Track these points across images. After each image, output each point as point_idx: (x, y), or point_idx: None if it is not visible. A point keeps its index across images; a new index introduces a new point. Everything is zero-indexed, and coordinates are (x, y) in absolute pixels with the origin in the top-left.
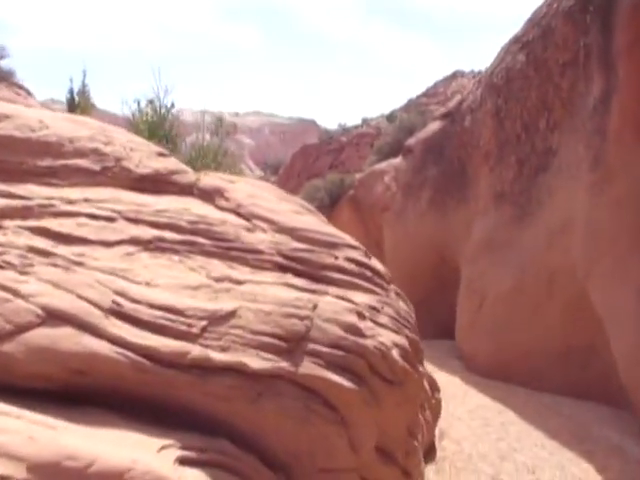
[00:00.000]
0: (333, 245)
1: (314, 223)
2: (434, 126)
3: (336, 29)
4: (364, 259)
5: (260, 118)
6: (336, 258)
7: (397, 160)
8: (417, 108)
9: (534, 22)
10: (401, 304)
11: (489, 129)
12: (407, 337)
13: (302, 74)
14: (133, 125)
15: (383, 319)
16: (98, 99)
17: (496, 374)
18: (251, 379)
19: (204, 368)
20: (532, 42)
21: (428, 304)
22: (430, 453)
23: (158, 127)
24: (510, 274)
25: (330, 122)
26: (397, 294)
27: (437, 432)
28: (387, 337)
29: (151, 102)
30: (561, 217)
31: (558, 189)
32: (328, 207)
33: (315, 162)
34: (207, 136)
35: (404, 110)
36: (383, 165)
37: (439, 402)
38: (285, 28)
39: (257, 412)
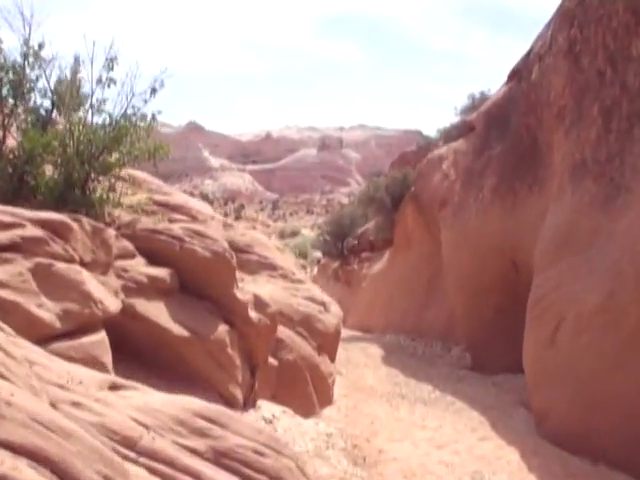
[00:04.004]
0: None
1: None
2: (499, 93)
3: (436, 39)
4: None
5: (365, 132)
6: None
7: (458, 142)
8: None
9: None
10: None
11: (561, 74)
12: None
13: (405, 85)
14: None
15: None
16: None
17: (579, 446)
18: None
19: None
20: None
21: (498, 326)
22: None
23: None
24: (597, 284)
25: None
26: None
27: None
28: None
29: None
30: None
31: None
32: (391, 210)
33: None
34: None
35: None
36: (442, 150)
37: None
38: (385, 41)
39: None
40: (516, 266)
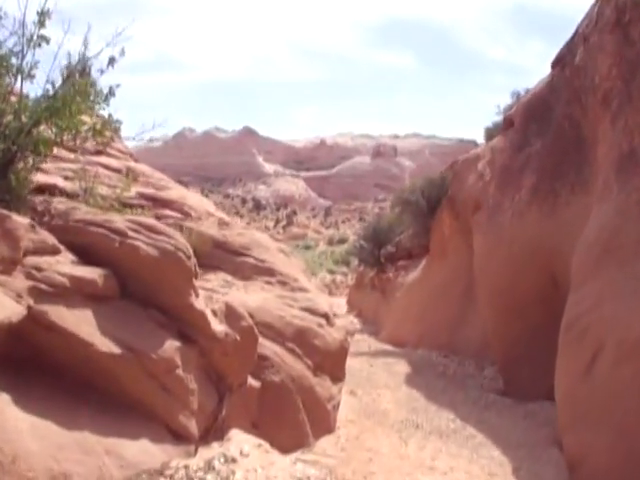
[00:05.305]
0: None
1: None
2: (540, 84)
3: (492, 49)
4: None
5: (420, 140)
6: None
7: (496, 139)
8: None
9: None
10: None
11: (608, 52)
12: None
13: (460, 95)
14: None
15: None
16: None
17: None
18: None
19: None
20: None
21: (534, 347)
22: None
23: None
24: None
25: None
26: None
27: None
28: None
29: None
30: None
31: None
32: (427, 214)
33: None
34: None
35: None
36: (479, 149)
37: None
38: (440, 49)
39: None
40: (555, 278)
